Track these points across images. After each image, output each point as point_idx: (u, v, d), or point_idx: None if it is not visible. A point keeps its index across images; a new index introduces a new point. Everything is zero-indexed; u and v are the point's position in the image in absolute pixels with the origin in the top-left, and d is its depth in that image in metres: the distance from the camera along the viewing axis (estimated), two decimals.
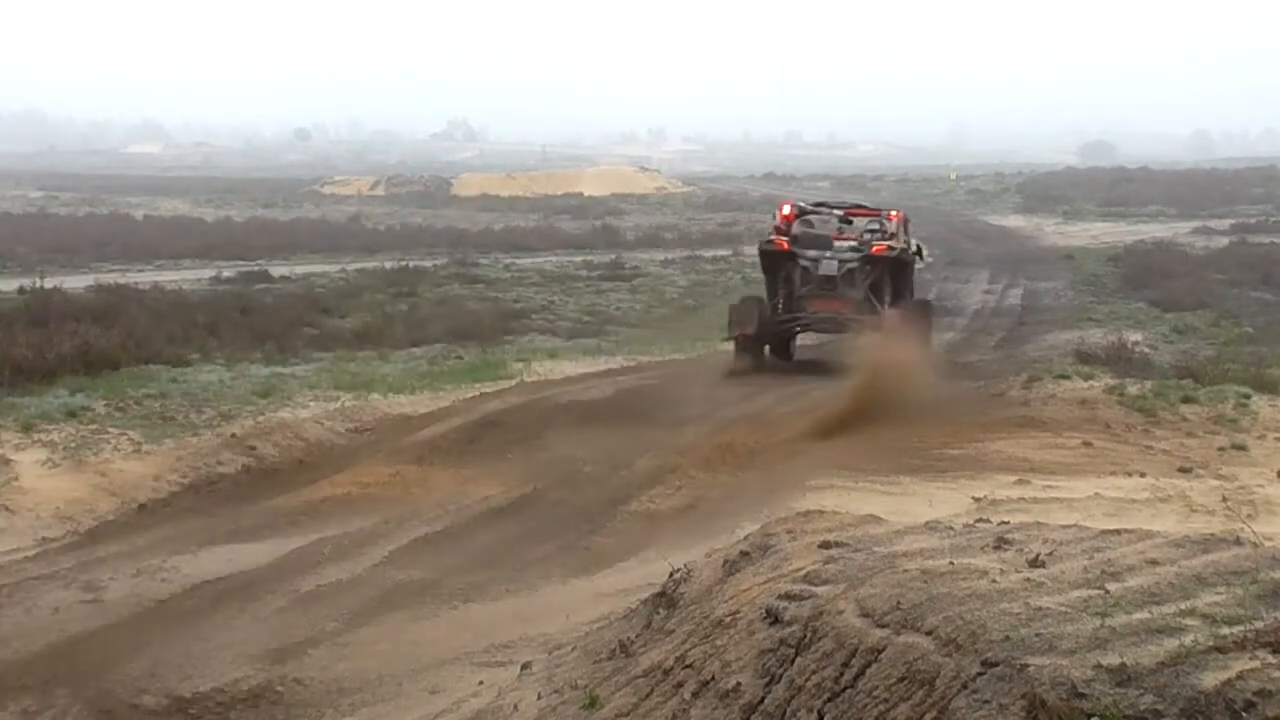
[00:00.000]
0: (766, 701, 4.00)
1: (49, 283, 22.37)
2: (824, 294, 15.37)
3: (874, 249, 15.46)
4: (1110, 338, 17.69)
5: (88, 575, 8.09)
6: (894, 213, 16.51)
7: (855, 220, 16.35)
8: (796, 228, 15.90)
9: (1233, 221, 40.85)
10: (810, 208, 16.97)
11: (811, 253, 15.46)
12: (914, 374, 12.58)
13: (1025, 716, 3.12)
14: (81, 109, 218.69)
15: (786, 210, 16.40)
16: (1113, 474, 10.37)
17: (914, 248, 16.73)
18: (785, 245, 15.68)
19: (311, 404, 13.36)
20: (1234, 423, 12.10)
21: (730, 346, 15.71)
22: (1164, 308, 22.89)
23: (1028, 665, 3.22)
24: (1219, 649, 3.15)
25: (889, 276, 15.65)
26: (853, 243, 15.68)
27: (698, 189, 72.14)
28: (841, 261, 15.34)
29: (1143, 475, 10.31)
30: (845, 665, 3.79)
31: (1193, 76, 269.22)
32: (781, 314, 15.75)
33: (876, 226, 16.06)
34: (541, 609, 7.68)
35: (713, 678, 4.33)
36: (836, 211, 16.70)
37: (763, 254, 16.43)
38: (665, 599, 5.52)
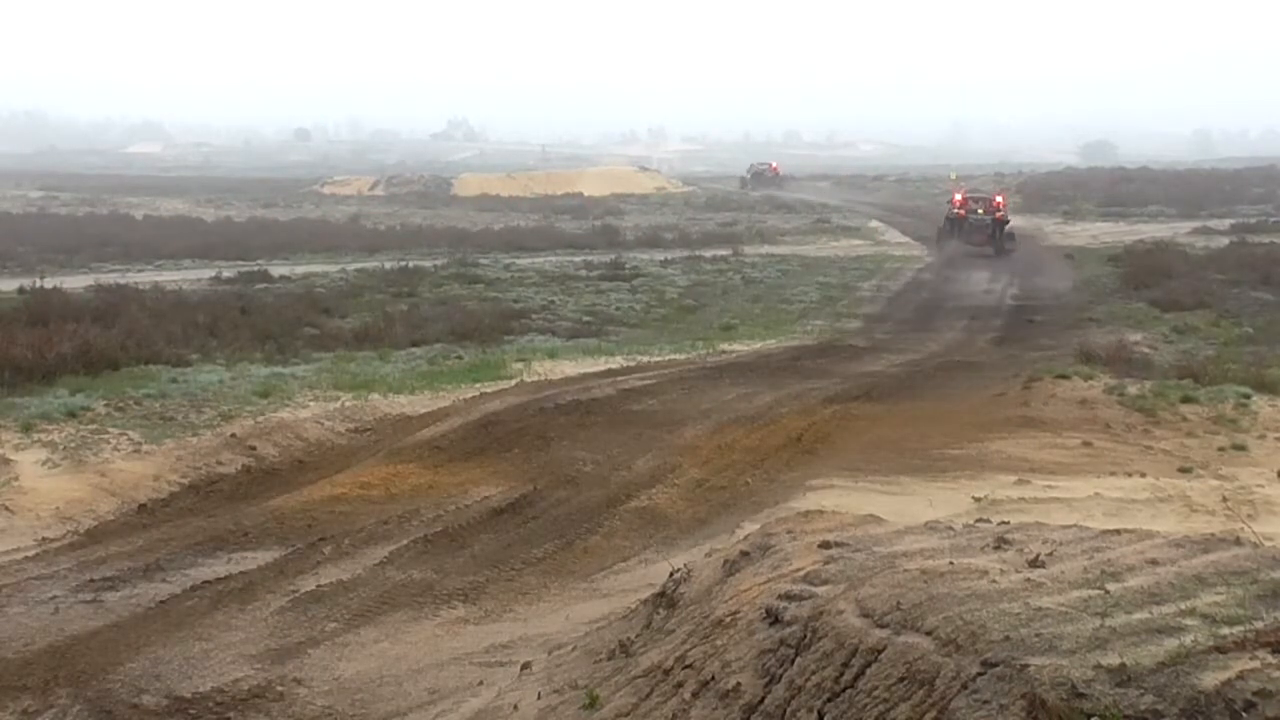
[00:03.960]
0: (766, 701, 4.00)
1: (49, 283, 22.37)
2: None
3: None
4: (1110, 337, 17.67)
5: (88, 575, 8.10)
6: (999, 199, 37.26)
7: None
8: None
9: (1233, 221, 40.73)
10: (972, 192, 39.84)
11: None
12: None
13: (1025, 716, 3.11)
14: (82, 110, 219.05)
15: (959, 198, 37.51)
16: (1113, 474, 10.38)
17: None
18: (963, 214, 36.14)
19: (311, 404, 13.35)
20: (1234, 423, 12.10)
21: None
22: (1164, 308, 22.80)
23: (1028, 665, 3.22)
24: (1219, 649, 3.15)
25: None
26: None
27: (698, 189, 72.04)
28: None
29: (1143, 475, 10.31)
30: (845, 665, 3.79)
31: (1193, 77, 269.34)
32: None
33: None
34: (541, 608, 7.69)
35: (713, 678, 4.33)
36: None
37: (948, 218, 36.66)
38: (665, 599, 5.52)
